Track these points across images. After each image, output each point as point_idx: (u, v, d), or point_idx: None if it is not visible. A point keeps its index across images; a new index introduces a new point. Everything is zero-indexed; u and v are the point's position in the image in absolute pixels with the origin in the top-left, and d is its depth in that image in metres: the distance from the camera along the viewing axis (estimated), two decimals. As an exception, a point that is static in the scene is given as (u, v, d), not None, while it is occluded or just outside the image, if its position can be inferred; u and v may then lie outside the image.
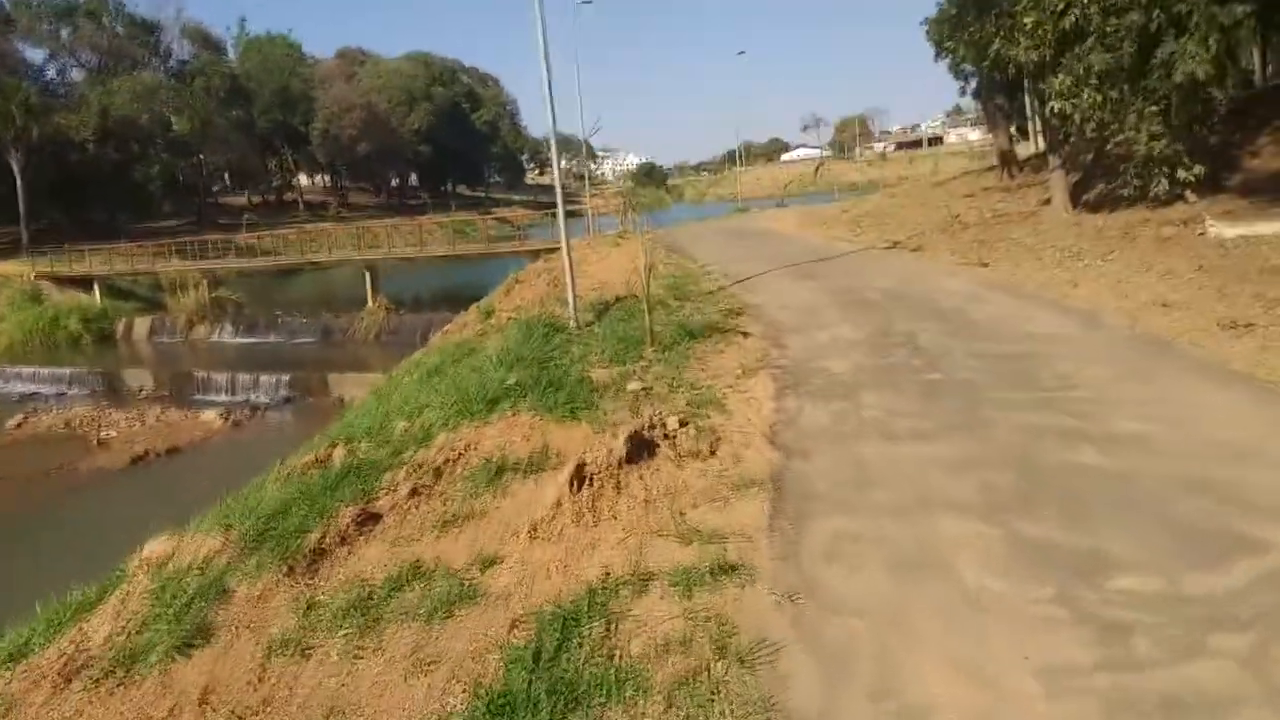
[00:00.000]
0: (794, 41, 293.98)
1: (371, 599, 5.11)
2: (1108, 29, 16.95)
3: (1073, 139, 18.54)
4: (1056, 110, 17.19)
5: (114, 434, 25.35)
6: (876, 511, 5.48)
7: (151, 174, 63.92)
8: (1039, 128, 34.48)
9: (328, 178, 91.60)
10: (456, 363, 12.25)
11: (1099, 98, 16.97)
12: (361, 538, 5.89)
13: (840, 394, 8.00)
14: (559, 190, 13.49)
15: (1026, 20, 17.77)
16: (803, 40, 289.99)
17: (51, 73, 67.76)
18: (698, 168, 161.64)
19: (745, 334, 10.99)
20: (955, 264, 15.98)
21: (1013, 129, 28.58)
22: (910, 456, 6.33)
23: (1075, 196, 19.64)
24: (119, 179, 62.45)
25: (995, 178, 23.88)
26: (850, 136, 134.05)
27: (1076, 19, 17.03)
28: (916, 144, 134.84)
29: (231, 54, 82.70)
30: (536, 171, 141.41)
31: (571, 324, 12.43)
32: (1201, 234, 14.48)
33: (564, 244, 13.55)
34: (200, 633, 4.97)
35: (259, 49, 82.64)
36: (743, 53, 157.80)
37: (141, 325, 42.80)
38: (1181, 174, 16.46)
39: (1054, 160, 19.50)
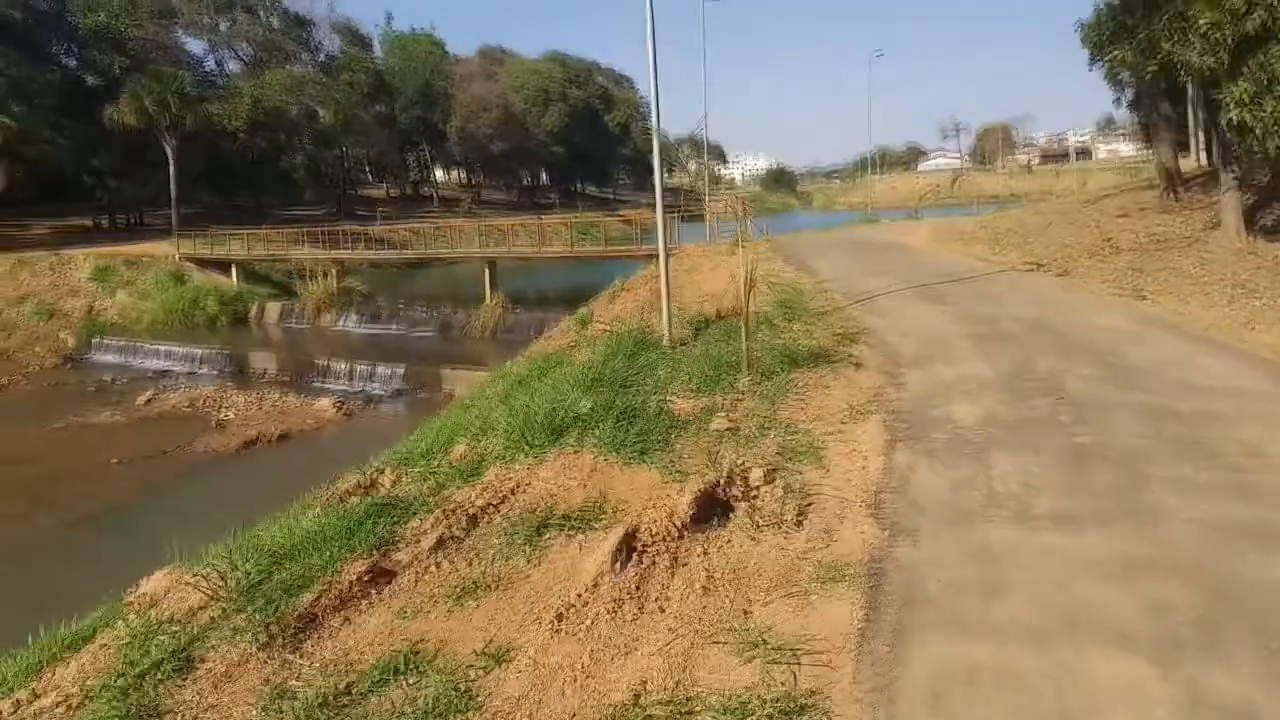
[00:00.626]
0: (935, 42, 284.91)
1: (350, 693, 4.10)
2: (1299, 32, 14.73)
3: (1254, 154, 16.24)
4: (1235, 121, 15.01)
5: (232, 416, 25.76)
6: (1004, 634, 4.13)
7: (296, 163, 66.07)
8: (1202, 143, 31.23)
9: (463, 174, 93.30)
10: (542, 375, 11.31)
11: (1285, 110, 14.77)
12: (365, 601, 4.92)
13: (966, 452, 6.59)
14: (659, 193, 12.31)
15: (1202, 21, 15.65)
16: (945, 41, 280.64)
17: (211, 64, 70.87)
18: (829, 173, 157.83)
19: (858, 365, 9.60)
20: (1108, 294, 14.07)
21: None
22: (1053, 551, 4.92)
23: (1249, 221, 17.28)
24: (266, 167, 64.87)
25: (1155, 196, 21.43)
26: (992, 145, 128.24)
27: (1262, 20, 14.84)
28: (1063, 156, 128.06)
29: (377, 50, 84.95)
30: (667, 172, 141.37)
31: (665, 341, 11.29)
32: None
33: (662, 251, 12.42)
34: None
35: (403, 46, 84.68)
36: (881, 53, 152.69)
37: (273, 309, 43.97)
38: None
39: (1227, 178, 17.19)
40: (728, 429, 7.30)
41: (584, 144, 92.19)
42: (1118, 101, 64.28)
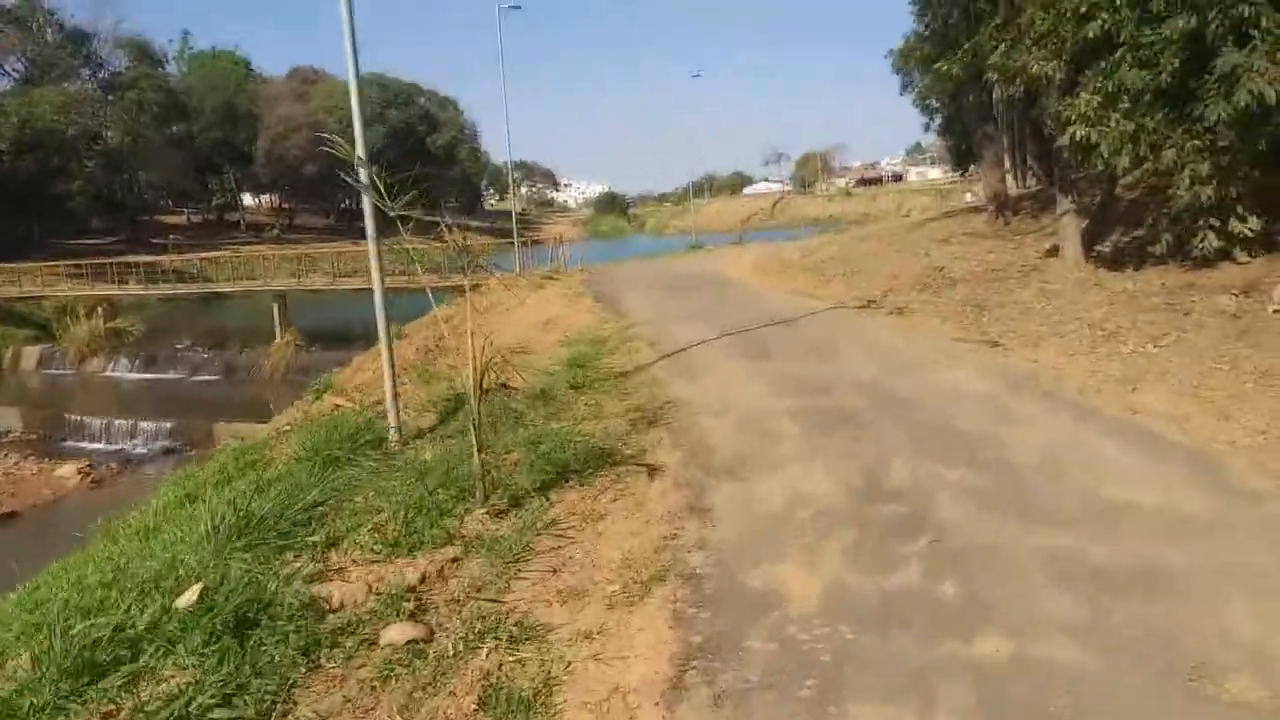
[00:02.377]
0: (758, 77, 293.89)
1: None
2: (1143, 39, 13.08)
3: (1101, 175, 14.64)
4: (1079, 139, 13.21)
5: (-56, 489, 20.71)
6: None
7: (72, 189, 58.61)
8: (1028, 164, 30.55)
9: (275, 198, 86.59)
10: (222, 486, 7.86)
11: (1130, 126, 13.09)
12: None
13: (807, 693, 3.71)
14: (369, 223, 9.17)
15: (1039, 23, 13.89)
16: (767, 76, 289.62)
17: (-21, 82, 62.36)
18: (661, 198, 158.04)
19: (653, 470, 6.68)
20: (952, 338, 11.83)
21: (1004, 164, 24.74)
22: None
23: (1086, 248, 15.70)
24: (37, 192, 57.14)
25: (983, 221, 19.94)
26: (812, 171, 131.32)
27: (1104, 25, 13.14)
28: (877, 180, 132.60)
29: (174, 69, 77.68)
30: (496, 198, 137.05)
31: (391, 437, 8.09)
32: (1277, 311, 10.57)
33: (381, 320, 9.16)
34: None
35: (202, 64, 77.83)
36: (698, 75, 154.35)
37: (30, 355, 37.94)
38: (1235, 226, 12.65)
39: (1064, 202, 15.53)
40: (409, 643, 4.16)
41: (406, 167, 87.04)
42: (927, 126, 65.36)
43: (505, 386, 9.08)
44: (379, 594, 4.59)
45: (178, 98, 70.60)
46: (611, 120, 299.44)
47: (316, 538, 5.42)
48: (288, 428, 9.86)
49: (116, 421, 27.90)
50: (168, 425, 27.04)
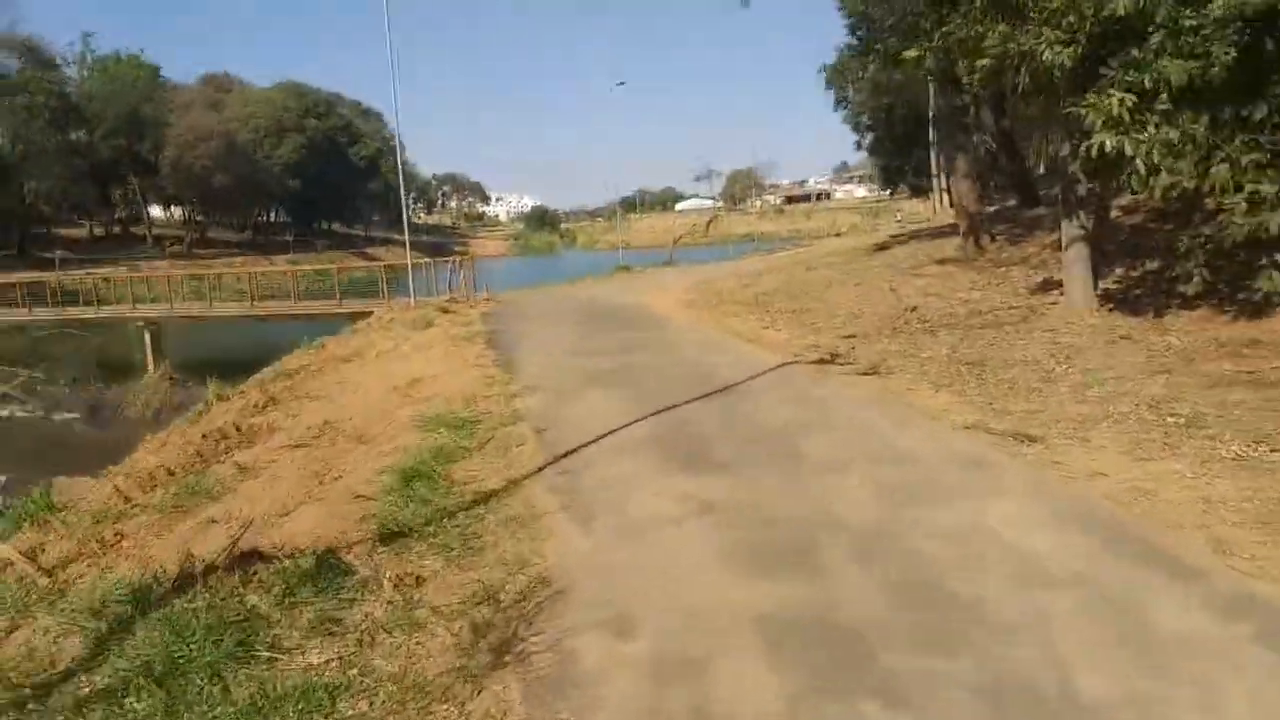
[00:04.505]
0: (688, 92, 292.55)
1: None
2: (1184, 20, 9.82)
3: (1135, 193, 11.33)
4: (1106, 149, 9.79)
5: None
6: None
7: (-52, 200, 52.49)
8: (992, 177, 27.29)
9: (185, 210, 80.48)
10: None
11: (1173, 134, 9.78)
12: None
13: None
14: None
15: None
16: (696, 91, 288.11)
17: None
18: (593, 214, 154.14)
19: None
20: (963, 424, 8.21)
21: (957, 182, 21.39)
22: None
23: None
24: (-89, 204, 50.93)
25: (953, 246, 16.55)
26: (742, 188, 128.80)
27: (1140, 2, 9.81)
28: (805, 198, 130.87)
29: (73, 72, 71.38)
30: (423, 210, 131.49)
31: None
32: None
33: None
34: None
35: (105, 69, 71.68)
36: (622, 83, 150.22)
37: None
38: (1304, 264, 9.47)
39: (1070, 228, 12.17)
40: None
41: (326, 178, 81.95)
42: (858, 144, 63.03)
43: (253, 559, 5.13)
44: None
45: (73, 102, 64.49)
46: (542, 133, 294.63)
47: None
48: None
49: (-61, 474, 23.10)
50: (1, 479, 22.39)
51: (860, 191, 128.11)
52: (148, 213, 75.27)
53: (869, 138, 57.22)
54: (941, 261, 15.87)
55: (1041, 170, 17.52)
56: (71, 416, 29.02)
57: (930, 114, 43.51)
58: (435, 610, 4.75)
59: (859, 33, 42.87)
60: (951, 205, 46.62)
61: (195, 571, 4.82)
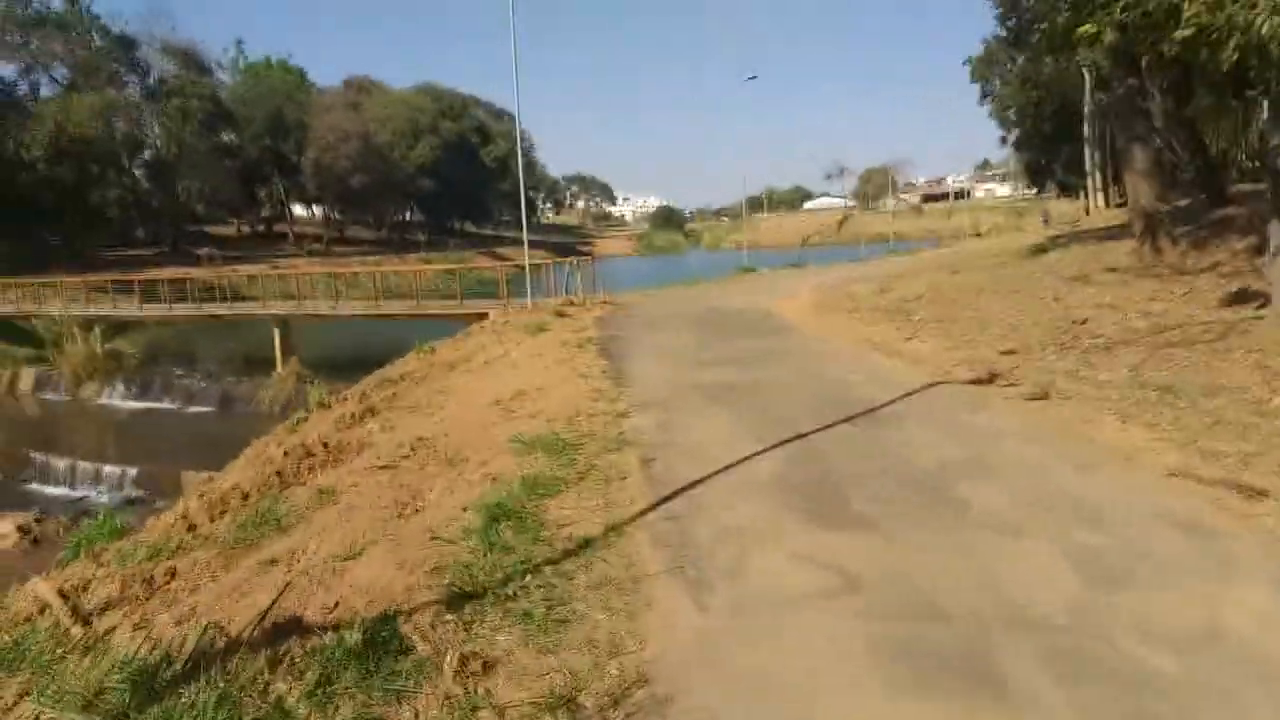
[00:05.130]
0: (820, 89, 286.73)
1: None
2: None
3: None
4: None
5: None
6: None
7: (109, 197, 55.72)
8: (1099, 182, 24.41)
9: (324, 210, 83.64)
10: None
11: None
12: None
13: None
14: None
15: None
16: (829, 87, 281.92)
17: (25, 87, 59.94)
18: (719, 212, 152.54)
19: None
20: (1165, 471, 6.65)
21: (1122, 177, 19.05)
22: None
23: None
24: (75, 202, 54.33)
25: (1126, 250, 14.55)
26: (875, 187, 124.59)
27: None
28: (943, 197, 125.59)
29: (225, 77, 75.10)
30: (553, 210, 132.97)
31: None
32: None
33: None
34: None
35: (254, 73, 75.19)
36: (754, 77, 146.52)
37: (27, 377, 34.57)
38: None
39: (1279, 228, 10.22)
40: None
41: (459, 179, 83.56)
42: (1003, 140, 59.47)
43: (291, 631, 4.22)
44: None
45: (225, 105, 67.75)
46: (669, 132, 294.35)
47: None
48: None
49: (81, 464, 24.27)
50: (133, 472, 23.18)
51: (1002, 190, 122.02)
52: (290, 212, 78.53)
53: (1015, 133, 53.98)
54: (1112, 269, 13.94)
55: (1236, 163, 15.38)
56: (206, 409, 29.92)
57: (1085, 108, 40.44)
58: (500, 712, 3.73)
59: (1009, 22, 40.21)
60: (1108, 205, 43.28)
61: (216, 648, 3.95)
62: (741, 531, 5.60)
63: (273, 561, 5.79)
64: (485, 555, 5.40)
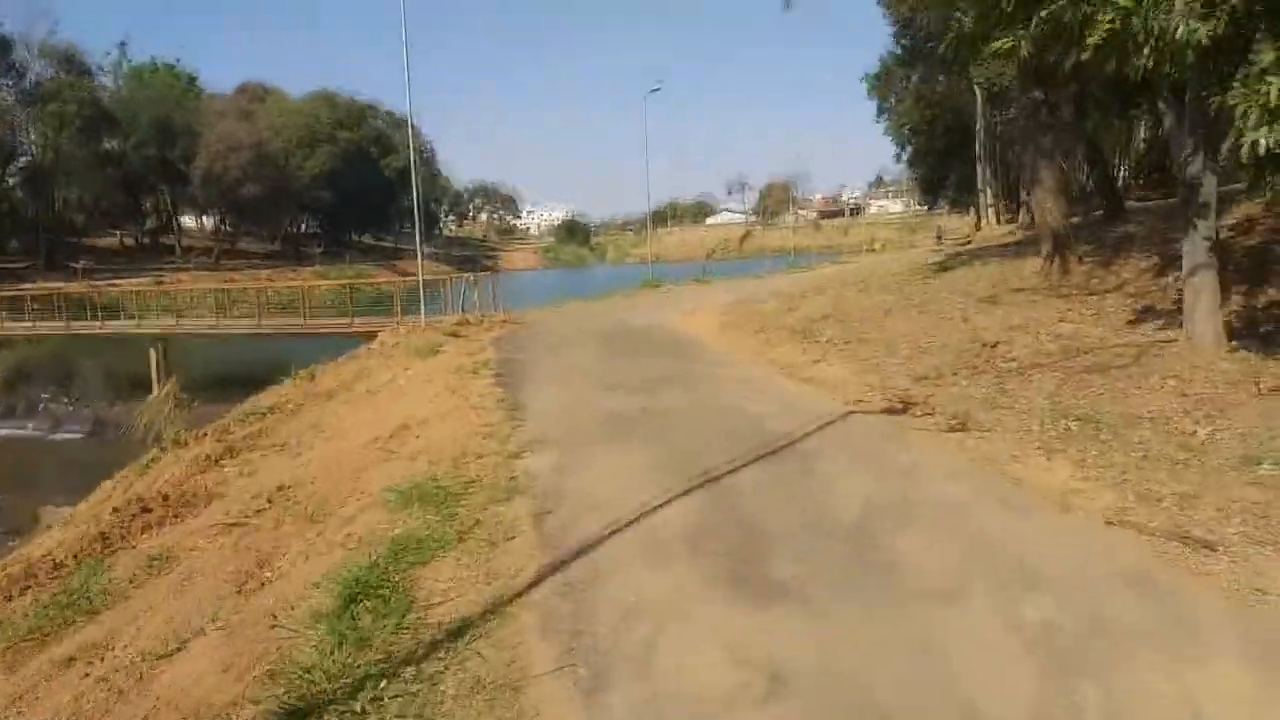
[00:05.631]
0: (722, 99, 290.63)
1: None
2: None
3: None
4: (1270, 146, 7.60)
5: None
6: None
7: (-25, 207, 51.71)
8: (990, 199, 24.79)
9: (215, 221, 79.71)
10: None
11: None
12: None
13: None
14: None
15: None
16: (730, 100, 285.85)
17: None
18: (624, 225, 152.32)
19: None
20: (1097, 511, 6.07)
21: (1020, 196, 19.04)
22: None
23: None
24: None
25: (1035, 271, 14.30)
26: (776, 201, 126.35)
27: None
28: (839, 213, 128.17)
29: (110, 81, 70.84)
30: (455, 223, 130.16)
31: None
32: None
33: None
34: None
35: (139, 77, 71.18)
36: (659, 87, 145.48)
37: (-118, 403, 31.41)
38: None
39: (1196, 248, 9.94)
40: None
41: (358, 190, 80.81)
42: (898, 156, 60.60)
43: None
44: None
45: (107, 110, 63.76)
46: (576, 142, 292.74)
47: None
48: None
49: (-74, 496, 21.83)
50: (-16, 504, 21.00)
51: (895, 206, 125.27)
52: (178, 223, 74.55)
53: (909, 149, 54.96)
54: (1020, 288, 13.68)
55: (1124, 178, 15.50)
56: (74, 435, 27.60)
57: (977, 124, 41.34)
58: None
59: (904, 40, 40.75)
60: (998, 221, 44.33)
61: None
62: (646, 609, 4.71)
63: (71, 660, 4.64)
64: (334, 652, 4.38)
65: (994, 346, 11.38)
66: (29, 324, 30.21)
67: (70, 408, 28.52)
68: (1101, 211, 16.08)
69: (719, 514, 6.21)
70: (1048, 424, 8.41)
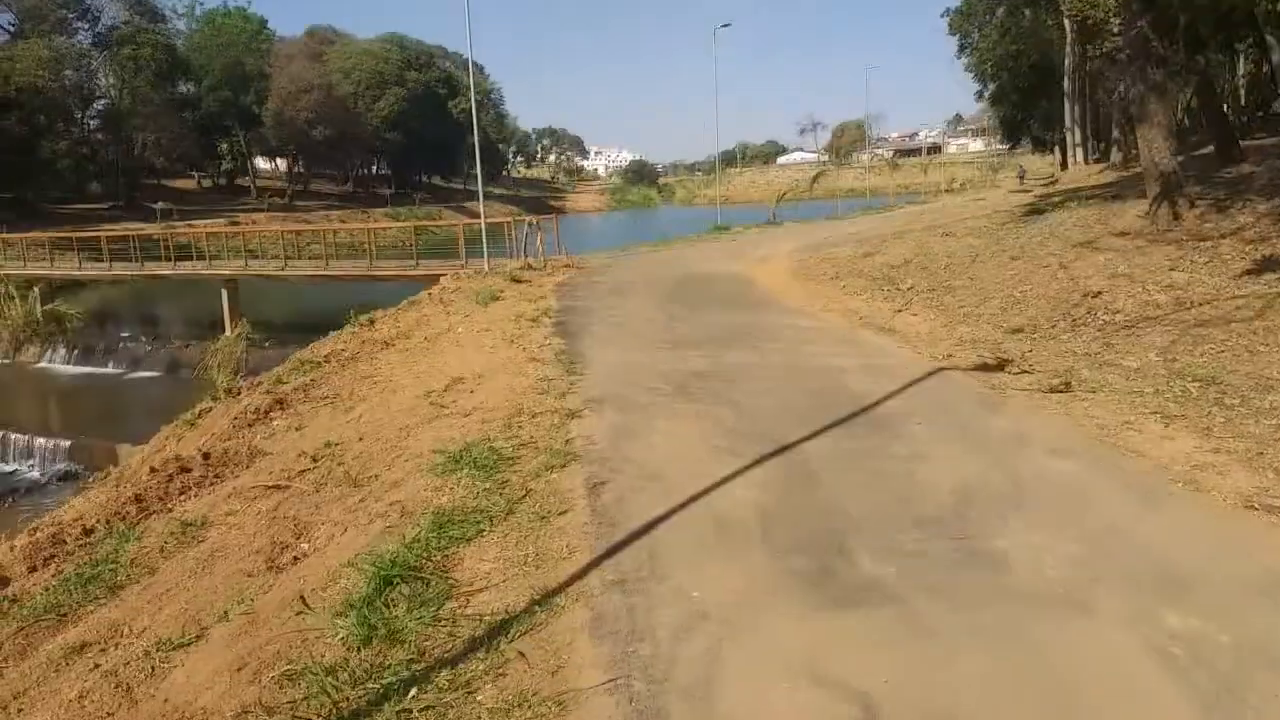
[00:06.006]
0: (792, 41, 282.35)
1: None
2: None
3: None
4: None
5: None
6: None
7: (59, 149, 52.77)
8: (1077, 138, 22.69)
9: (286, 163, 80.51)
10: None
11: None
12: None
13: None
14: None
15: None
16: (800, 41, 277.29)
17: (-28, 35, 56.46)
18: (692, 167, 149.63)
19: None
20: (1232, 492, 5.24)
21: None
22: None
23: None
24: (23, 154, 51.30)
25: (1140, 214, 13.04)
26: (848, 142, 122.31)
27: None
28: (915, 152, 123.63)
29: (184, 25, 71.43)
30: (524, 164, 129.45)
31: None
32: None
33: None
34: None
35: (211, 21, 71.57)
36: (728, 24, 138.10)
37: (-41, 341, 32.29)
38: None
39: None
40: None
41: (426, 132, 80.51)
42: (980, 94, 57.71)
43: None
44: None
45: (180, 55, 64.35)
46: (642, 86, 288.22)
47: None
48: None
49: (13, 436, 22.39)
50: (66, 444, 21.41)
51: (975, 145, 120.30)
52: (252, 165, 75.41)
53: (992, 87, 52.20)
54: (1123, 233, 12.48)
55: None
56: (151, 374, 28.06)
57: (1065, 61, 38.78)
58: None
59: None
60: (1087, 161, 41.83)
61: None
62: (713, 614, 4.07)
63: (82, 648, 4.23)
64: (362, 649, 3.87)
65: (1096, 296, 10.33)
66: (105, 265, 30.69)
67: (148, 347, 28.97)
68: (1212, 148, 14.58)
69: (794, 493, 5.52)
70: (1163, 386, 7.49)
